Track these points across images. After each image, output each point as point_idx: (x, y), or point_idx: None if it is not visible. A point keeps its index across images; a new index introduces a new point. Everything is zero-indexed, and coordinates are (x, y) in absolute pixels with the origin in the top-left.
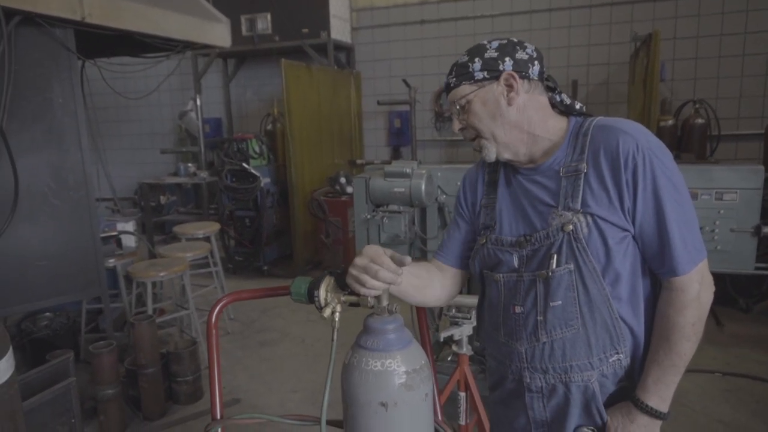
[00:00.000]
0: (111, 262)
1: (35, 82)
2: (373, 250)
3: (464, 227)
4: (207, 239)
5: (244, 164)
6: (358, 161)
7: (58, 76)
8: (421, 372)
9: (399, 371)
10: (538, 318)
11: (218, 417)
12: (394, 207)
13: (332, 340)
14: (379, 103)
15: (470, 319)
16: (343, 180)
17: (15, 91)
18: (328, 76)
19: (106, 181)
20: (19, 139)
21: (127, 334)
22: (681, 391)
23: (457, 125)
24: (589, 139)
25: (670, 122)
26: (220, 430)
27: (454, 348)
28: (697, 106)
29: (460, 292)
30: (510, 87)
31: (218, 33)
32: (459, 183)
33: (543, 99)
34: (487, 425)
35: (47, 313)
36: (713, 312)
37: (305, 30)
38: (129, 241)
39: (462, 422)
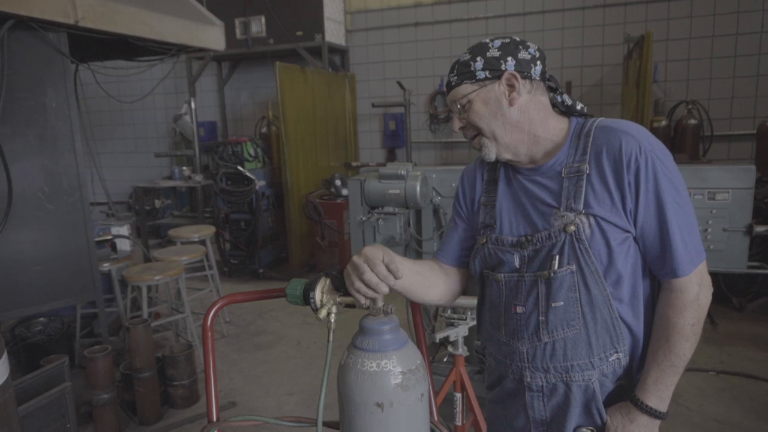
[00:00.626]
0: (106, 266)
1: (28, 86)
2: (371, 251)
3: (462, 226)
4: (202, 242)
5: (239, 167)
6: (353, 163)
7: (52, 80)
8: (417, 372)
9: (395, 372)
10: (540, 318)
11: (215, 420)
12: (389, 209)
13: (328, 341)
14: (373, 105)
15: (466, 320)
16: (338, 182)
17: (8, 95)
18: (323, 78)
19: (101, 185)
20: (12, 144)
21: (123, 339)
22: (677, 390)
23: (457, 124)
24: (591, 140)
25: (664, 123)
26: None
27: (450, 349)
28: (689, 106)
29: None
30: (512, 87)
31: (213, 36)
32: (454, 184)
33: (544, 99)
34: (483, 426)
35: (41, 318)
36: (707, 311)
37: (299, 33)
38: (124, 245)
39: (458, 423)
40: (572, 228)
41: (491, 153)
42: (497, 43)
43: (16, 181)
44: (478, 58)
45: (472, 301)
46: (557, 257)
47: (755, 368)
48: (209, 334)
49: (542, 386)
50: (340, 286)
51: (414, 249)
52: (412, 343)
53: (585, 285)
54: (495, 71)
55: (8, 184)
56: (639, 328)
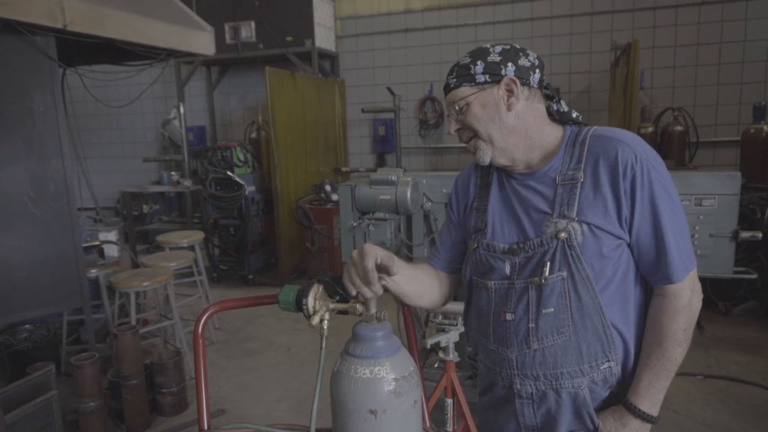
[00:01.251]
0: (93, 272)
1: (15, 90)
2: (365, 249)
3: (455, 232)
4: (191, 248)
5: (229, 172)
6: (343, 169)
7: (39, 84)
8: (410, 379)
9: (388, 378)
10: (530, 325)
11: (205, 428)
12: (380, 214)
13: (321, 348)
14: (363, 110)
15: (457, 325)
16: (328, 188)
17: None
18: (313, 84)
19: (88, 190)
20: None
21: (110, 346)
22: (665, 394)
23: (453, 126)
24: (587, 148)
25: (650, 129)
26: None
27: (441, 355)
28: (675, 113)
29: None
30: (510, 92)
31: (202, 41)
32: (445, 190)
33: (541, 107)
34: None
35: (27, 325)
36: None
37: (289, 38)
38: (111, 251)
39: (449, 429)
40: (564, 235)
41: (486, 156)
42: (498, 48)
43: (2, 185)
44: (479, 62)
45: (462, 307)
46: (548, 264)
47: (741, 372)
48: (200, 341)
49: (532, 393)
50: (333, 293)
51: (405, 255)
52: (405, 349)
53: (576, 292)
54: (495, 75)
55: None
56: (630, 336)
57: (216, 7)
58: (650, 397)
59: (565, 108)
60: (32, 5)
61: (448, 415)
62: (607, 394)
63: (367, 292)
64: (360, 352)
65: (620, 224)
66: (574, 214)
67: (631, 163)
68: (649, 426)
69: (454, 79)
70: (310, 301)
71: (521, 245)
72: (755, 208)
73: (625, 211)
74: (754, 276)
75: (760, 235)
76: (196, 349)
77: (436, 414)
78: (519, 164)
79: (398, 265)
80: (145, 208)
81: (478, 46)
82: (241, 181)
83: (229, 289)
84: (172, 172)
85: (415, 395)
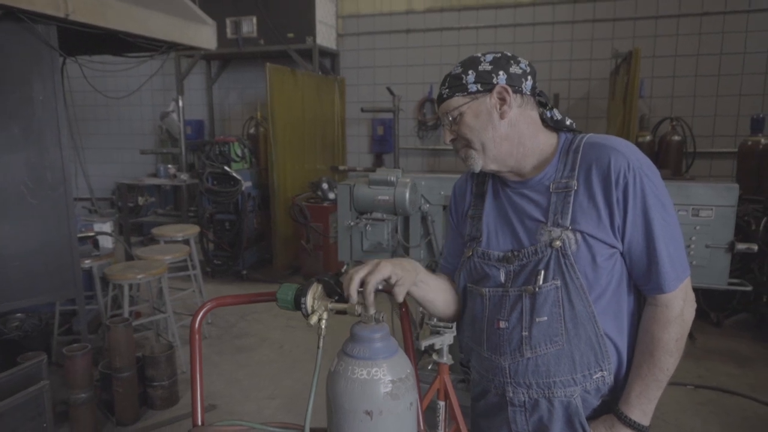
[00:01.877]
0: (87, 263)
1: (15, 78)
2: (378, 268)
3: (459, 239)
4: (186, 242)
5: (226, 167)
6: (341, 167)
7: (39, 73)
8: (407, 381)
9: (385, 380)
10: (523, 333)
11: (199, 423)
12: (377, 215)
13: (318, 347)
14: (362, 110)
15: (451, 328)
16: (325, 186)
17: None
18: (313, 81)
19: (84, 180)
20: None
21: (102, 337)
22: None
23: (448, 136)
24: (580, 156)
25: (648, 138)
26: None
27: (435, 357)
28: (673, 123)
29: None
30: (503, 100)
31: (204, 35)
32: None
33: (534, 114)
34: None
35: (18, 314)
36: None
37: (291, 35)
38: (106, 242)
39: (441, 431)
40: (558, 243)
41: (477, 164)
42: (489, 57)
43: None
44: (470, 72)
45: None
46: (542, 272)
47: (732, 383)
48: (197, 336)
49: (524, 401)
50: (332, 293)
51: (401, 256)
52: (402, 351)
53: (569, 300)
54: (486, 84)
55: None
56: (623, 345)
57: (218, 2)
58: (641, 407)
59: (558, 116)
60: None
61: (440, 417)
62: (599, 403)
63: (370, 305)
64: (358, 352)
65: (613, 233)
66: (568, 223)
67: (623, 172)
68: None
69: (447, 90)
70: (309, 300)
71: (516, 253)
72: (750, 220)
73: (618, 220)
74: (749, 288)
75: (756, 247)
76: (192, 345)
77: (427, 416)
78: (510, 170)
79: (422, 276)
80: (141, 200)
81: (472, 54)
82: (238, 177)
83: (223, 284)
84: (169, 165)
85: (412, 397)
